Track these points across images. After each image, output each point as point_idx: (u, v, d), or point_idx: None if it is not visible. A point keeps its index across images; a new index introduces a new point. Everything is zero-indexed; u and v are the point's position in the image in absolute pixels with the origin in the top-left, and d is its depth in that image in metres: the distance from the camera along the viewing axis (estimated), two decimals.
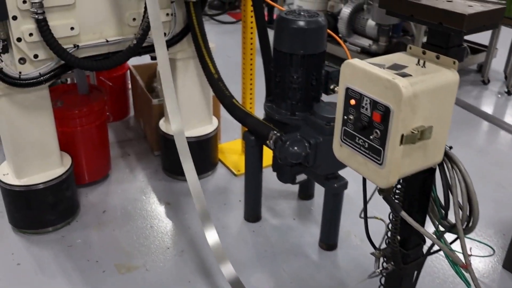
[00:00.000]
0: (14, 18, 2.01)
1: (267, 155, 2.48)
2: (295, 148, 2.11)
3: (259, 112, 3.07)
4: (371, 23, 4.22)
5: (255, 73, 2.89)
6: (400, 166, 1.16)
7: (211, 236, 2.23)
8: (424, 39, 3.99)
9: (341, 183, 2.23)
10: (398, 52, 1.35)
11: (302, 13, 2.15)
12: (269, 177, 2.71)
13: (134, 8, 2.30)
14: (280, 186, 2.80)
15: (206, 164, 2.93)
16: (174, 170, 2.89)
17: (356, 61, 1.21)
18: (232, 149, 3.22)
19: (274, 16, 5.37)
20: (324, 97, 2.27)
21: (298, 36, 2.09)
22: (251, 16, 2.67)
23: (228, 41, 5.05)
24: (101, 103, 2.69)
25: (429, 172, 1.32)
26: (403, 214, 1.25)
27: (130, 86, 3.61)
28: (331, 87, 2.26)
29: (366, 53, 4.26)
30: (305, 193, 2.79)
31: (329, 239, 2.41)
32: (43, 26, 2.01)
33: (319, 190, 2.66)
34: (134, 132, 3.43)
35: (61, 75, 2.19)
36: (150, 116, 3.05)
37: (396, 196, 1.43)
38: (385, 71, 1.16)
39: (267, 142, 2.21)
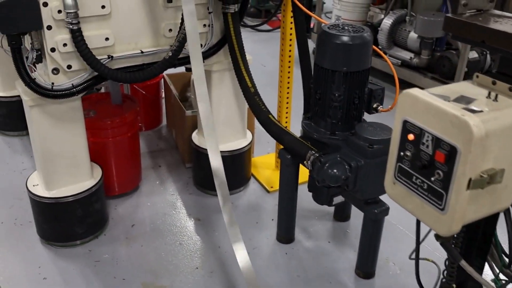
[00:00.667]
0: (49, 28, 1.96)
1: (303, 171, 2.36)
2: (335, 170, 1.99)
3: (295, 127, 2.96)
4: (413, 35, 4.05)
5: (293, 85, 2.78)
6: (465, 212, 1.02)
7: (242, 258, 2.13)
8: (471, 55, 3.83)
9: (382, 209, 2.10)
10: (464, 81, 1.21)
11: (346, 28, 2.03)
12: (304, 194, 2.59)
13: (170, 18, 2.23)
14: (314, 205, 2.66)
15: (239, 179, 2.83)
16: (205, 184, 2.81)
17: (417, 92, 1.08)
18: (265, 163, 3.11)
19: (311, 25, 5.25)
20: (366, 116, 2.15)
21: (342, 52, 1.97)
22: (291, 28, 2.56)
23: (263, 50, 4.96)
24: (134, 113, 2.62)
25: (492, 215, 1.18)
26: (463, 263, 1.12)
27: (163, 95, 3.55)
28: (374, 105, 2.14)
29: (407, 66, 4.10)
30: (341, 214, 2.65)
31: (366, 267, 2.27)
32: (77, 37, 1.95)
33: (356, 211, 2.53)
34: (166, 143, 3.37)
35: (95, 86, 2.12)
36: (183, 127, 2.98)
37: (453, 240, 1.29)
38: (452, 105, 1.03)
39: (305, 162, 2.09)
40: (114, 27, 2.10)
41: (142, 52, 2.18)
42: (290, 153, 2.22)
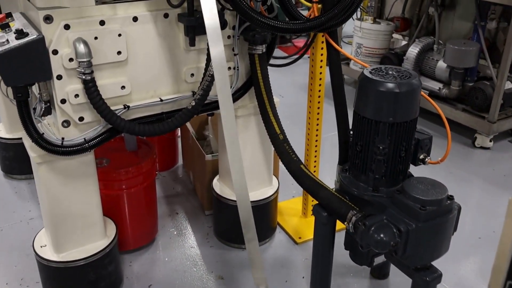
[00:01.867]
0: (59, 77, 1.76)
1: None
2: (382, 235, 1.74)
3: (323, 174, 2.73)
4: (441, 65, 3.83)
5: (322, 128, 2.55)
6: None
7: None
8: (507, 85, 3.60)
9: (434, 276, 1.84)
10: None
11: (390, 72, 1.81)
12: (336, 246, 2.35)
13: (192, 62, 2.02)
14: (349, 259, 2.43)
15: (264, 230, 2.59)
16: (227, 236, 2.57)
17: None
18: (291, 209, 2.87)
19: None
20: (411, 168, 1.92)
21: (387, 101, 1.74)
22: (321, 66, 2.35)
23: (281, 79, 4.75)
24: (151, 162, 2.40)
25: None
26: None
27: (179, 133, 3.34)
28: (421, 157, 1.91)
29: (435, 97, 3.86)
30: (379, 272, 2.40)
31: None
32: (90, 88, 1.74)
33: (395, 268, 2.28)
34: (183, 186, 3.14)
35: (109, 140, 1.91)
36: (203, 172, 2.75)
37: None
38: None
39: (345, 223, 1.86)
40: (131, 74, 1.89)
41: (161, 100, 1.97)
42: (327, 210, 1.98)
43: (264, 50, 2.09)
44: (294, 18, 1.90)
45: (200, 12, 1.81)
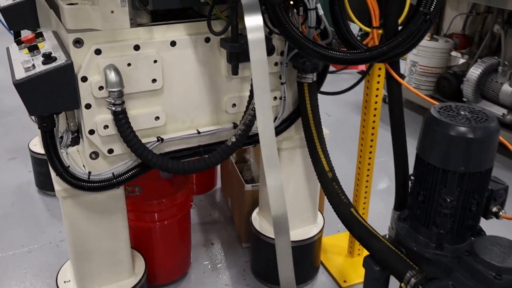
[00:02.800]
0: (88, 106, 1.60)
1: None
2: None
3: (373, 219, 2.47)
4: (507, 88, 3.49)
5: (374, 163, 2.30)
6: None
7: None
8: None
9: None
10: None
11: (462, 112, 1.55)
12: None
13: (235, 91, 1.82)
14: None
15: (305, 271, 2.36)
16: (265, 275, 2.36)
17: None
18: (336, 246, 2.63)
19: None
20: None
21: (459, 147, 1.49)
22: (376, 95, 2.10)
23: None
24: (186, 192, 2.22)
25: None
26: None
27: None
28: (494, 209, 1.64)
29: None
30: None
31: None
32: (120, 120, 1.57)
33: None
34: (220, 212, 2.95)
35: (140, 175, 1.73)
36: (241, 202, 2.55)
37: None
38: None
39: (402, 285, 1.61)
40: (166, 103, 1.71)
41: (198, 132, 1.78)
42: (380, 264, 1.74)
43: (314, 79, 1.87)
44: (351, 46, 1.67)
45: (244, 37, 1.62)
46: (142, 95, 1.66)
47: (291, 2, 1.63)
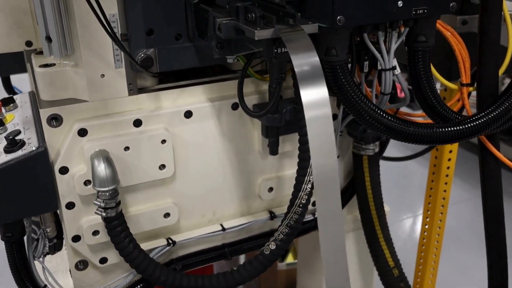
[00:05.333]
0: (70, 206, 1.14)
1: None
2: None
3: None
4: None
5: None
6: None
7: None
8: None
9: None
10: None
11: None
12: None
13: (272, 170, 1.35)
14: None
15: None
16: None
17: None
18: None
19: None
20: None
21: None
22: (446, 175, 1.63)
23: None
24: None
25: None
26: None
27: None
28: None
29: None
30: None
31: None
32: (115, 228, 1.11)
33: None
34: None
35: None
36: (273, 283, 2.08)
37: None
38: None
39: None
40: (179, 194, 1.25)
41: (223, 228, 1.31)
42: None
43: (377, 150, 1.40)
44: (437, 114, 1.19)
45: (288, 102, 1.16)
46: (145, 186, 1.20)
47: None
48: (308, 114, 0.83)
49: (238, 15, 0.87)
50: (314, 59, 0.81)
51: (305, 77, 0.82)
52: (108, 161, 1.08)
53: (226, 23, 0.86)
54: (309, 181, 1.15)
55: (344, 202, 1.52)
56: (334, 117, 1.36)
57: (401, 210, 3.03)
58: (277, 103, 1.12)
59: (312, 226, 1.43)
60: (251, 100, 1.24)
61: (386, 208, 1.56)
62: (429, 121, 1.25)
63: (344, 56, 1.01)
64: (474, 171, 1.59)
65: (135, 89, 1.15)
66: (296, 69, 0.81)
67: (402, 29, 1.11)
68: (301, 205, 1.17)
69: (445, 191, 1.73)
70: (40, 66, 1.10)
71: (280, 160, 1.34)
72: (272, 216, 1.36)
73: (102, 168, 1.06)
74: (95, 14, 0.95)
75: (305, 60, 0.81)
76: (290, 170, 1.36)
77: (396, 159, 1.69)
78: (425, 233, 1.84)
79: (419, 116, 1.33)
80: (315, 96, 0.82)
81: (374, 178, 1.45)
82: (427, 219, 1.81)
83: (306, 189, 1.16)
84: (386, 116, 1.08)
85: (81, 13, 1.02)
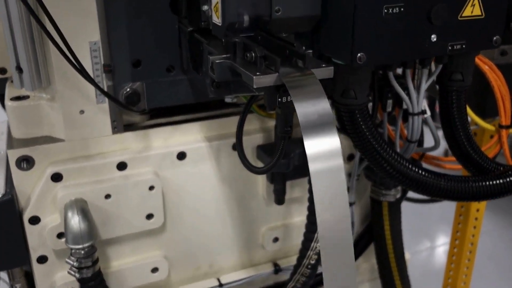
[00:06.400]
0: (42, 260, 0.99)
1: None
2: None
3: None
4: None
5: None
6: None
7: None
8: None
9: None
10: None
11: None
12: None
13: (277, 218, 1.18)
14: None
15: None
16: None
17: None
18: None
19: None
20: None
21: None
22: (476, 218, 1.45)
23: None
24: None
25: None
26: None
27: None
28: None
29: None
30: None
31: None
32: None
33: None
34: None
35: None
36: None
37: None
38: None
39: None
40: (169, 246, 1.09)
41: (220, 284, 1.15)
42: None
43: (398, 196, 1.23)
44: (473, 164, 1.01)
45: (297, 144, 1.00)
46: (130, 237, 1.04)
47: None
48: (313, 167, 0.66)
49: (235, 53, 0.70)
50: (323, 106, 0.65)
51: (311, 126, 0.65)
52: (84, 213, 0.92)
53: (220, 62, 0.70)
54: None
55: (359, 253, 1.34)
56: (350, 158, 1.20)
57: (419, 241, 2.83)
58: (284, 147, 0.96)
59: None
60: (255, 140, 1.08)
61: (407, 255, 1.39)
62: (459, 166, 1.08)
63: (364, 99, 0.84)
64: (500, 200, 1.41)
65: (120, 126, 0.99)
66: (300, 118, 0.65)
67: (433, 64, 0.94)
68: (309, 266, 1.01)
69: (473, 235, 1.54)
70: (11, 99, 0.95)
71: (288, 206, 1.18)
72: (277, 269, 1.20)
73: (76, 222, 0.91)
74: (53, 42, 0.80)
75: (312, 108, 0.65)
76: (299, 217, 1.19)
77: (420, 201, 1.51)
78: (449, 280, 1.65)
79: (449, 161, 1.15)
80: (322, 148, 0.66)
81: (394, 226, 1.27)
82: (451, 272, 1.62)
83: (316, 247, 0.99)
84: (413, 169, 0.90)
85: (57, 40, 0.87)
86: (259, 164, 1.09)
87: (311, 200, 0.98)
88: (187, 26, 0.90)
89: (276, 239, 1.18)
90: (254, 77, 0.63)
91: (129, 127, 1.02)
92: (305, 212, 1.07)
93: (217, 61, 0.69)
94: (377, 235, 1.29)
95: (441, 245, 2.84)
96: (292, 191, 1.13)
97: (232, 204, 1.12)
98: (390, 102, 1.01)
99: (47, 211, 0.96)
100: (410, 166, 0.90)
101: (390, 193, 1.22)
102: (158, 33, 0.93)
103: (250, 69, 0.66)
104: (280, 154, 0.75)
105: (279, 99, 0.67)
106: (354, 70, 0.81)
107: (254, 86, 0.63)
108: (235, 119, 1.07)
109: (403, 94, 0.89)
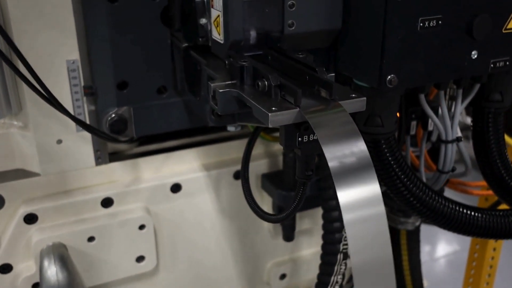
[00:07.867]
0: None
1: None
2: None
3: None
4: None
5: None
6: None
7: None
8: None
9: None
10: None
11: None
12: None
13: (285, 253, 1.06)
14: None
15: None
16: None
17: None
18: None
19: None
20: None
21: None
22: (490, 266, 1.33)
23: None
24: None
25: None
26: None
27: None
28: None
29: None
30: None
31: None
32: None
33: None
34: None
35: None
36: None
37: None
38: None
39: None
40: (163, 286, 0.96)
41: None
42: None
43: (417, 224, 1.11)
44: (511, 194, 0.89)
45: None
46: (118, 283, 0.91)
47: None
48: (347, 217, 0.53)
49: (242, 79, 0.57)
50: (359, 148, 0.52)
51: (345, 173, 0.52)
52: (63, 261, 0.79)
53: (224, 92, 0.56)
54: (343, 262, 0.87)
55: None
56: None
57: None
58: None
59: None
60: (259, 167, 0.95)
61: (425, 283, 1.27)
62: (489, 192, 0.96)
63: (392, 127, 0.72)
64: None
65: (104, 156, 0.86)
66: (330, 164, 0.52)
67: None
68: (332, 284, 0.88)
69: (487, 284, 1.41)
70: None
71: (296, 238, 1.05)
72: None
73: (53, 273, 0.77)
74: (10, 66, 0.66)
75: (345, 151, 0.52)
76: (309, 250, 1.07)
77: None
78: None
79: (477, 186, 1.03)
80: (357, 198, 0.53)
81: (413, 256, 1.15)
82: None
83: (340, 271, 0.87)
84: (447, 204, 0.78)
85: (30, 60, 0.73)
86: (264, 195, 0.97)
87: (327, 238, 0.85)
88: (181, 41, 0.76)
89: (283, 276, 1.05)
90: (269, 114, 0.50)
91: (115, 155, 0.89)
92: (315, 244, 0.95)
93: (220, 91, 0.56)
94: (394, 265, 1.17)
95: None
96: (302, 222, 1.00)
97: (234, 240, 0.99)
98: (414, 124, 0.89)
99: (20, 257, 0.82)
100: (443, 202, 0.78)
101: (409, 221, 1.10)
102: (147, 49, 0.79)
103: (263, 102, 0.53)
104: (298, 203, 0.62)
105: (299, 139, 0.54)
106: (382, 94, 0.68)
107: (270, 126, 0.50)
108: (236, 144, 0.95)
109: (436, 119, 0.77)
